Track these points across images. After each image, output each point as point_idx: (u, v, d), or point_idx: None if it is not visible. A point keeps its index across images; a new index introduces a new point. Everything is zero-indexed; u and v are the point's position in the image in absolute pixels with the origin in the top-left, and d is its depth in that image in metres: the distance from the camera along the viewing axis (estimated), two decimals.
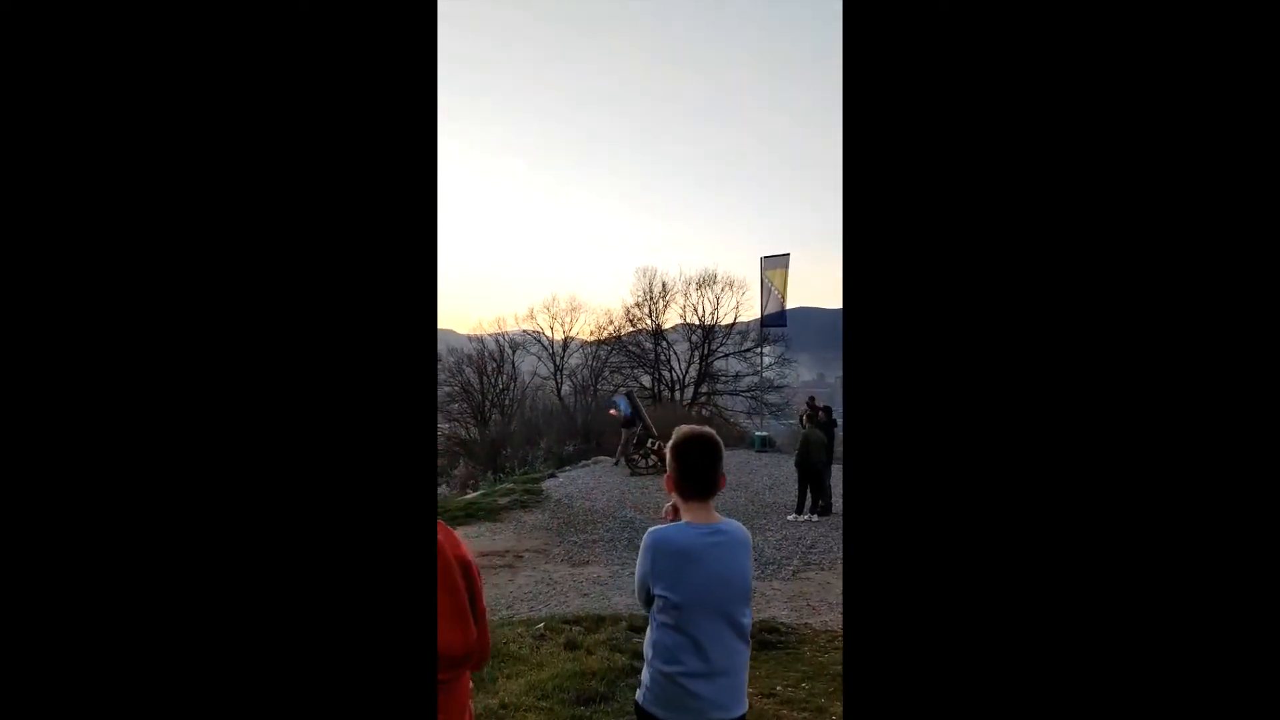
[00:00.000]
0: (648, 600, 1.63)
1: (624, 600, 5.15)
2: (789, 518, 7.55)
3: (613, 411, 12.04)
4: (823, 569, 5.93)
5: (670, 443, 1.61)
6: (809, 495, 7.61)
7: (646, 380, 23.85)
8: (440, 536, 1.14)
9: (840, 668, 3.94)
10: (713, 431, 1.61)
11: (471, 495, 10.08)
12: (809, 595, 5.25)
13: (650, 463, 10.61)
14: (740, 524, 1.61)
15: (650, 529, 1.60)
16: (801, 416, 8.89)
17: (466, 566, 1.18)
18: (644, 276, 26.16)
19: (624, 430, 11.24)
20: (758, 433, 13.67)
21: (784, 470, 10.22)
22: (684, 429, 1.62)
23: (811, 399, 8.58)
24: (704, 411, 23.11)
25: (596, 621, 4.60)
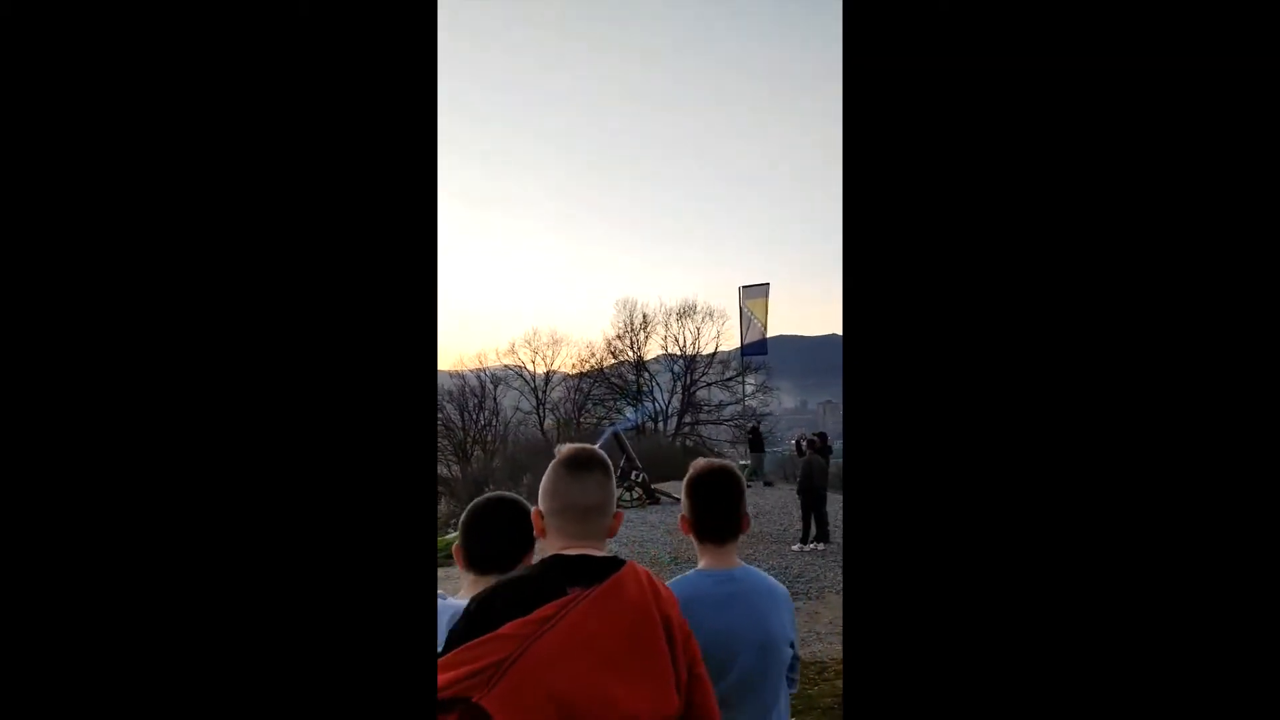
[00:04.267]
0: None
1: None
2: (794, 548, 7.43)
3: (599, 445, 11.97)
4: (810, 599, 5.88)
5: (686, 478, 1.44)
6: (813, 524, 7.47)
7: (630, 412, 23.79)
8: (639, 592, 1.02)
9: (830, 700, 3.88)
10: (732, 465, 1.44)
11: (454, 534, 9.89)
12: (798, 626, 5.18)
13: (635, 496, 10.52)
14: (765, 574, 1.42)
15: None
16: (799, 443, 8.86)
17: (669, 625, 1.04)
18: (624, 308, 26.31)
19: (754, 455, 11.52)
20: (741, 462, 13.66)
21: (769, 499, 10.17)
22: (701, 463, 1.45)
23: (802, 436, 8.58)
24: (687, 442, 23.05)
25: None
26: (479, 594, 0.99)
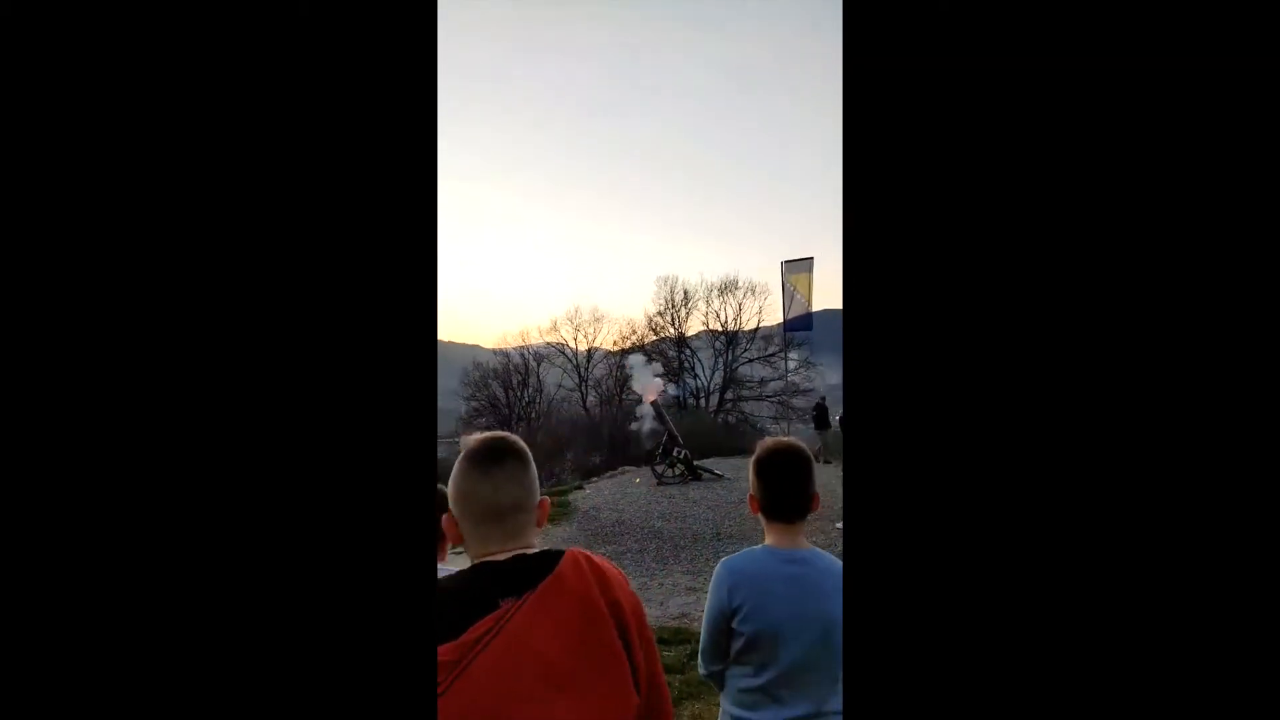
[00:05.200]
0: (716, 650, 1.40)
1: (652, 612, 5.11)
2: (838, 525, 7.35)
3: (633, 426, 12.04)
4: None
5: (754, 457, 1.44)
6: None
7: (672, 388, 23.82)
8: (581, 583, 0.92)
9: None
10: (802, 444, 1.44)
11: None
12: None
13: (677, 472, 10.57)
14: (832, 557, 1.39)
15: (722, 560, 1.42)
16: (841, 420, 8.72)
17: (619, 612, 0.94)
18: (665, 285, 26.16)
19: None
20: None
21: (823, 475, 10.05)
22: (769, 442, 1.45)
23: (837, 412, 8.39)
24: (730, 418, 22.99)
25: None
26: None
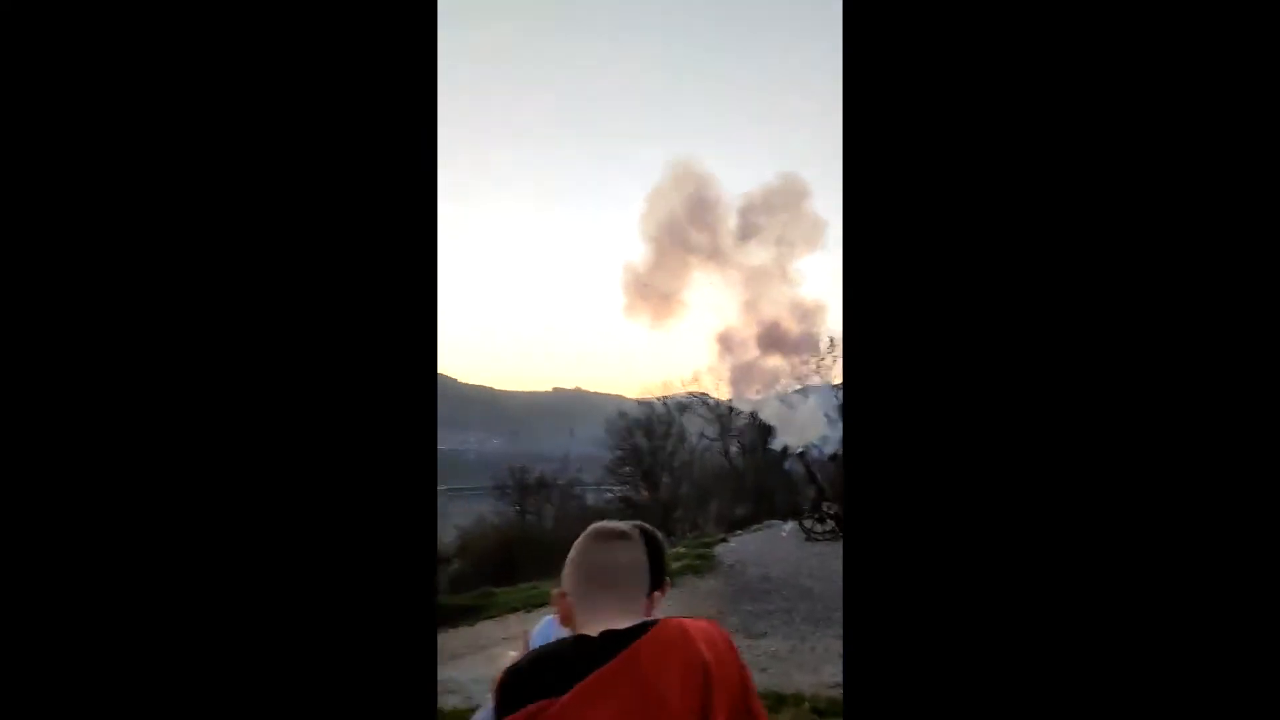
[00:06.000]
0: None
1: (806, 678, 4.79)
2: None
3: (786, 465, 11.62)
4: None
5: None
6: None
7: (822, 439, 22.76)
8: (657, 661, 0.82)
9: None
10: None
11: None
12: None
13: (827, 528, 10.01)
14: None
15: None
16: None
17: (707, 676, 0.82)
18: (810, 327, 25.41)
19: None
20: None
21: None
22: None
23: None
24: None
25: (778, 700, 4.31)
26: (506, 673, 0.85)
